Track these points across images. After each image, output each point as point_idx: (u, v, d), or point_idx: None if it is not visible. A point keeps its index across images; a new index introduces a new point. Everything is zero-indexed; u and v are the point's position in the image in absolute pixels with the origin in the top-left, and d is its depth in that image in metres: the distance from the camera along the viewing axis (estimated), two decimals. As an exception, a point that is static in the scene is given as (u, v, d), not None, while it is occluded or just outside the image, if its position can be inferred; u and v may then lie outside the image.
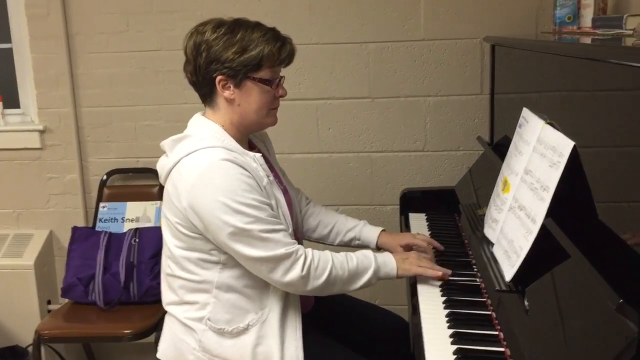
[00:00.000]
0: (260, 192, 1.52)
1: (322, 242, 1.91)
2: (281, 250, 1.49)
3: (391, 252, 1.74)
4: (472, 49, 2.47)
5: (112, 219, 2.63)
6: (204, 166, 1.49)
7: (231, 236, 1.47)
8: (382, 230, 1.87)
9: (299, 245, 1.54)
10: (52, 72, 2.65)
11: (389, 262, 1.63)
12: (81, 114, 2.69)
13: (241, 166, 1.50)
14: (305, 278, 1.51)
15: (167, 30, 2.58)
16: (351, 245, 1.88)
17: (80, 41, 2.63)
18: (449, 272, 1.64)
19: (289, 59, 1.61)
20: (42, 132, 2.71)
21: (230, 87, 1.56)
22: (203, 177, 1.48)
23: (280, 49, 1.57)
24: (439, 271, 1.62)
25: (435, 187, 2.46)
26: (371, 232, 1.86)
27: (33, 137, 2.71)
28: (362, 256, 1.61)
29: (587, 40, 1.61)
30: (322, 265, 1.54)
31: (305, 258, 1.52)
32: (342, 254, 1.60)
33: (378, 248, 1.85)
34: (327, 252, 1.58)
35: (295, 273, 1.50)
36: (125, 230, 2.56)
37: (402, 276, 1.64)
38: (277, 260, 1.49)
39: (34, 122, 2.73)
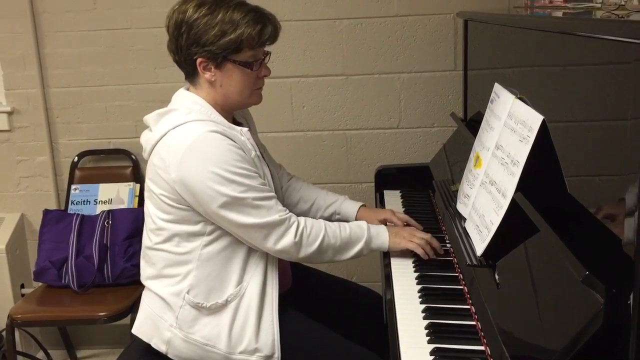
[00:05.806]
0: (250, 163, 1.53)
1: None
2: (275, 217, 1.50)
3: None
4: (445, 24, 2.45)
5: (84, 201, 2.59)
6: (193, 138, 1.47)
7: (225, 205, 1.47)
8: (362, 206, 1.88)
9: (291, 213, 1.56)
10: (19, 52, 2.59)
11: (381, 235, 1.65)
12: (50, 94, 2.63)
13: (230, 138, 1.51)
14: (298, 244, 1.53)
15: (136, 8, 2.53)
16: (332, 220, 1.89)
17: (47, 20, 2.56)
18: (438, 246, 1.67)
19: (272, 39, 1.59)
20: (10, 113, 2.65)
21: (211, 68, 1.54)
22: (193, 149, 1.47)
23: (261, 31, 1.54)
24: (427, 249, 1.64)
25: (410, 164, 2.46)
26: (350, 207, 1.87)
27: (1, 119, 2.64)
28: (356, 226, 1.64)
29: (558, 14, 1.61)
30: (314, 233, 1.56)
31: (298, 225, 1.54)
32: (336, 223, 1.62)
33: None
34: (321, 221, 1.60)
35: (288, 239, 1.52)
36: (98, 212, 2.53)
37: (393, 249, 1.67)
38: (271, 226, 1.50)
39: (1, 104, 2.67)
